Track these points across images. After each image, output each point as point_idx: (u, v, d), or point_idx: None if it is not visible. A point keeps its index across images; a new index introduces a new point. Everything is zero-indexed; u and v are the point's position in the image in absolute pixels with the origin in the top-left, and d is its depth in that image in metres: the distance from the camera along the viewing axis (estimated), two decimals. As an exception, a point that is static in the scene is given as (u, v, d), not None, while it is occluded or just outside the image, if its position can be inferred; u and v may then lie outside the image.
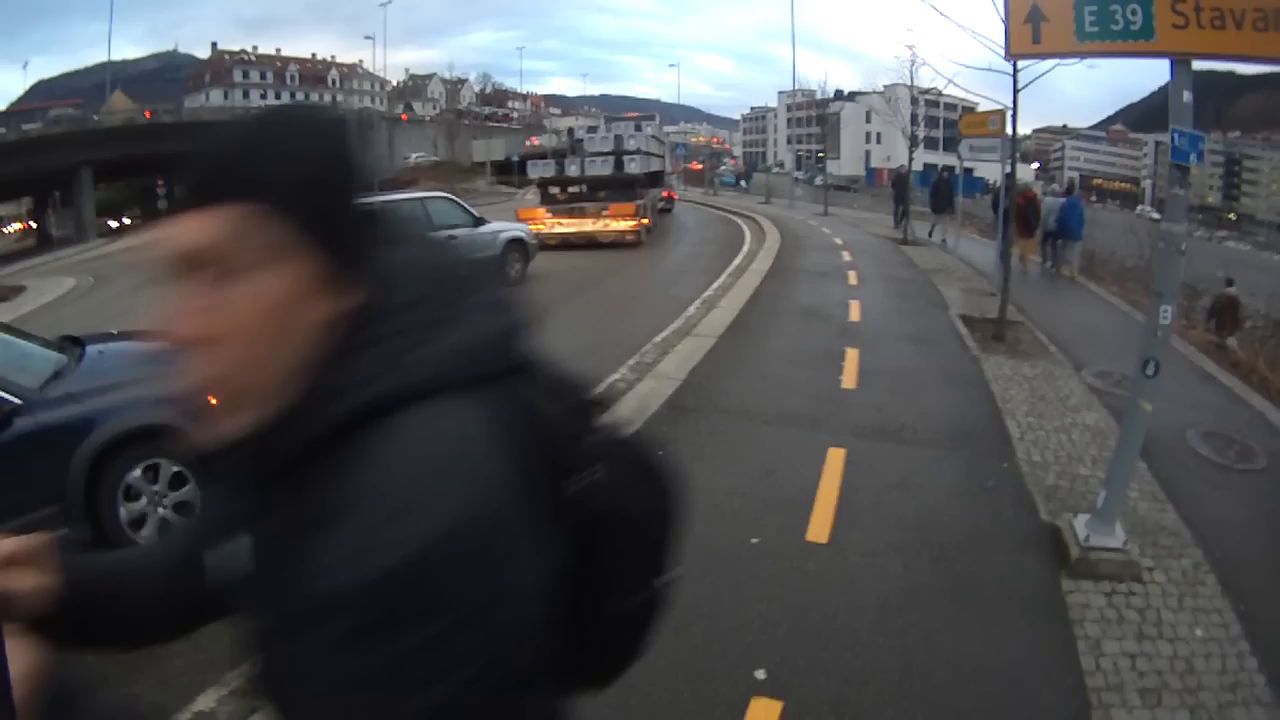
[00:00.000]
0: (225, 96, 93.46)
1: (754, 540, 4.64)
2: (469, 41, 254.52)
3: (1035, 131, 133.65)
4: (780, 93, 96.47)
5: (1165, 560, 4.59)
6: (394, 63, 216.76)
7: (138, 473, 4.50)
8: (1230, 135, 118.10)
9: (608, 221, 18.90)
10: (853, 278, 14.18)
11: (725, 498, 5.17)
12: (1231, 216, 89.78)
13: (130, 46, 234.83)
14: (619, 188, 20.10)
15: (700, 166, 68.94)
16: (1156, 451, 5.66)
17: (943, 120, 72.79)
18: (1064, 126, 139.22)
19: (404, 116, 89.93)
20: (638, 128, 23.87)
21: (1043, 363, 8.71)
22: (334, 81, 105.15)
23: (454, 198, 13.38)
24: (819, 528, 4.79)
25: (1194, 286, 15.81)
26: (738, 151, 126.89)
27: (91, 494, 4.32)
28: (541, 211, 19.53)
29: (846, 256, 17.35)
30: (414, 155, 72.86)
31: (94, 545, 4.29)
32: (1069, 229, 15.37)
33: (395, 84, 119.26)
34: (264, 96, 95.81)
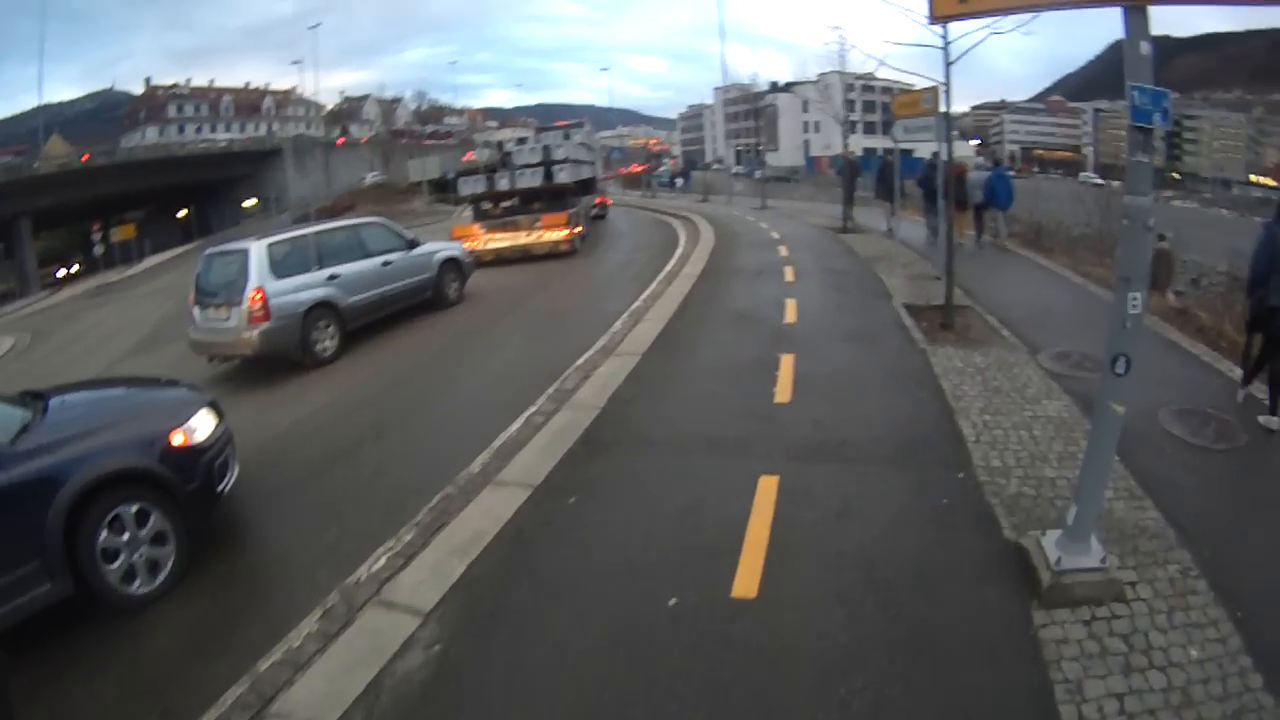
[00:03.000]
0: (161, 133, 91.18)
1: (671, 601, 3.99)
2: (403, 59, 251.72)
3: (974, 109, 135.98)
4: (715, 89, 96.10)
5: (1149, 570, 4.08)
6: (330, 86, 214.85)
7: (105, 533, 4.54)
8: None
9: (541, 233, 18.68)
10: (789, 274, 13.46)
11: (641, 551, 4.52)
12: (1175, 176, 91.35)
13: (66, 88, 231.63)
14: (550, 198, 19.93)
15: (639, 169, 68.63)
16: (1128, 438, 5.09)
17: (879, 105, 73.54)
18: (1001, 101, 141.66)
19: (340, 141, 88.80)
20: (566, 136, 23.79)
21: (995, 349, 8.14)
22: (269, 110, 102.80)
23: (387, 222, 13.04)
24: (747, 578, 4.13)
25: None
26: (677, 151, 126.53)
27: (71, 545, 4.35)
28: (475, 228, 19.29)
29: (783, 251, 16.62)
30: (369, 175, 72.15)
31: (78, 599, 4.40)
32: (997, 199, 15.75)
33: (331, 108, 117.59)
34: (200, 130, 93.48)
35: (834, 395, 6.93)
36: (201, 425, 5.29)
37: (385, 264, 11.64)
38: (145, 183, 62.32)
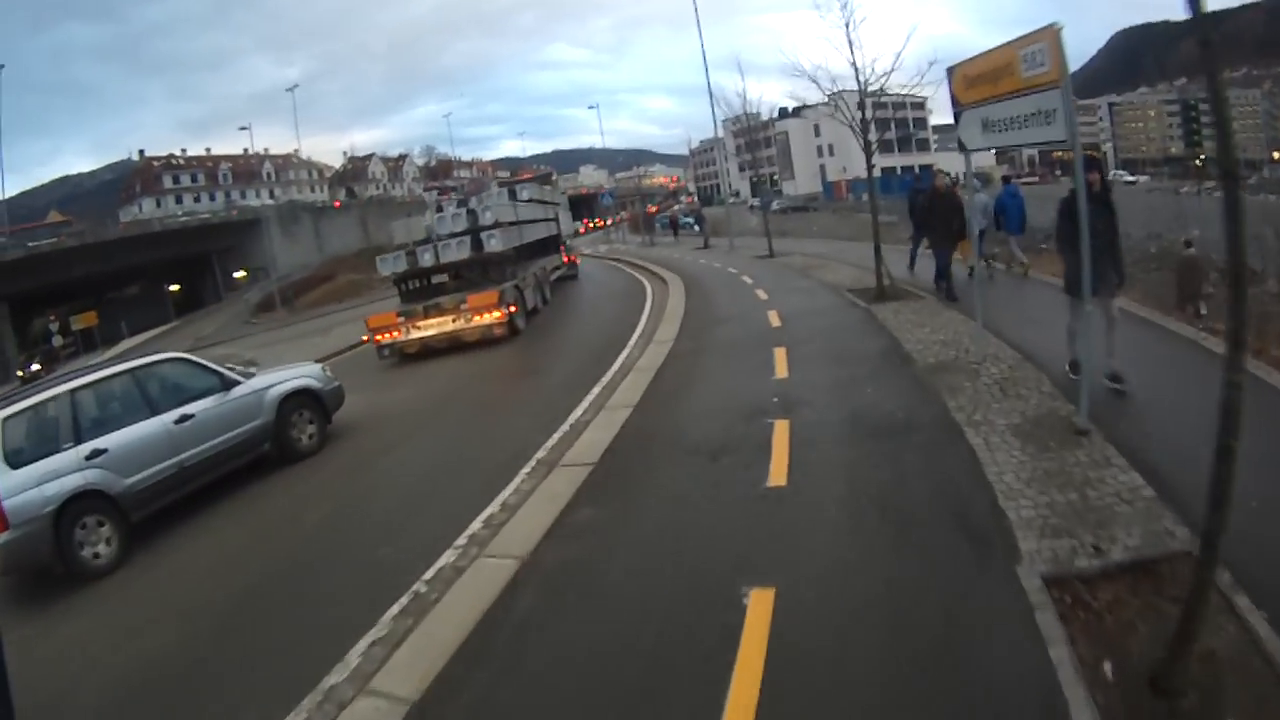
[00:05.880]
0: (158, 204, 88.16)
1: None
2: (414, 116, 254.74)
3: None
4: (724, 121, 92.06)
5: None
6: (339, 147, 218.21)
7: None
8: (1178, 84, 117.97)
9: (469, 316, 15.86)
10: (779, 457, 6.41)
11: None
12: (1199, 163, 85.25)
13: (83, 160, 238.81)
14: (481, 270, 17.20)
15: (655, 210, 64.77)
16: None
17: (893, 121, 68.02)
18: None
19: (336, 204, 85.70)
20: (513, 194, 21.31)
21: None
22: (269, 175, 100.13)
23: (191, 357, 9.46)
24: None
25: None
26: (692, 187, 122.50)
27: None
28: (392, 316, 16.39)
29: (780, 368, 9.47)
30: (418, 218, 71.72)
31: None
32: (1009, 222, 13.64)
33: (337, 169, 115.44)
34: (197, 199, 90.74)
35: None
36: None
37: (181, 420, 8.43)
38: (128, 260, 60.17)
